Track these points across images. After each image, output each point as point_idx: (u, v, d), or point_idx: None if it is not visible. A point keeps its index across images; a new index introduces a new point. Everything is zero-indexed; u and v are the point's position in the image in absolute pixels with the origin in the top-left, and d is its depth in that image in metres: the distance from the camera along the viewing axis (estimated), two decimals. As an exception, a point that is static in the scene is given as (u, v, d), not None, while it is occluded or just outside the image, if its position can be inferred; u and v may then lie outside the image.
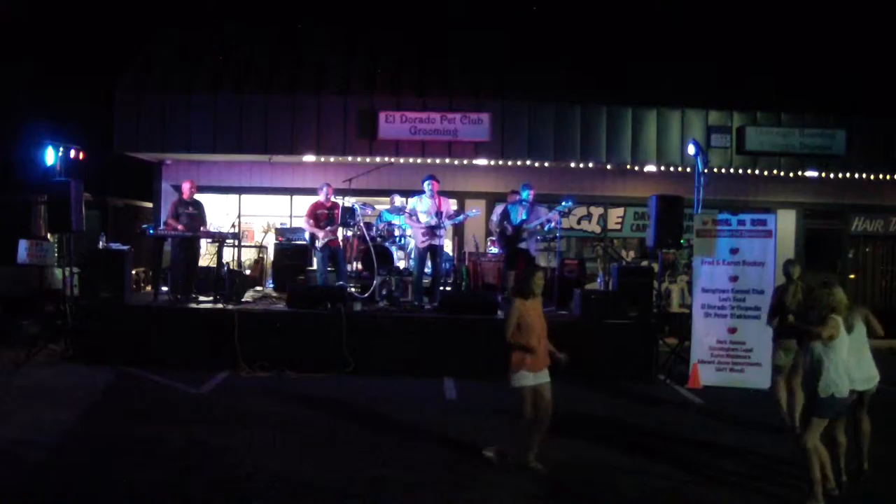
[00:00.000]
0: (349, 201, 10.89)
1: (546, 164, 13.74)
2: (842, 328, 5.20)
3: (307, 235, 10.85)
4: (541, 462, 5.83)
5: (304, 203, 13.80)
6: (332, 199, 10.66)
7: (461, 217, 10.56)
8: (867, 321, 5.81)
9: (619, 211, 14.87)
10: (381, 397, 8.09)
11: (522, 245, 10.23)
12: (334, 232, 10.44)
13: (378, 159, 13.21)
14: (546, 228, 10.83)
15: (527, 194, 10.39)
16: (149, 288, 11.98)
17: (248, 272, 12.74)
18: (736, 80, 14.02)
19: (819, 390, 5.16)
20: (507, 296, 5.48)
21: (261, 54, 14.24)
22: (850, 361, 5.36)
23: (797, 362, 7.55)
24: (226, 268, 10.54)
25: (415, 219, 10.13)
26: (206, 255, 11.78)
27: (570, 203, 10.34)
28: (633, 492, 5.54)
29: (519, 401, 5.85)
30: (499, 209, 12.15)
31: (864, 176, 14.01)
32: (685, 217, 9.88)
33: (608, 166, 13.88)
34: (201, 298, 10.14)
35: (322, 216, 10.46)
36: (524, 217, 10.24)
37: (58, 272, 11.47)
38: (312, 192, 11.64)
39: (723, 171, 13.72)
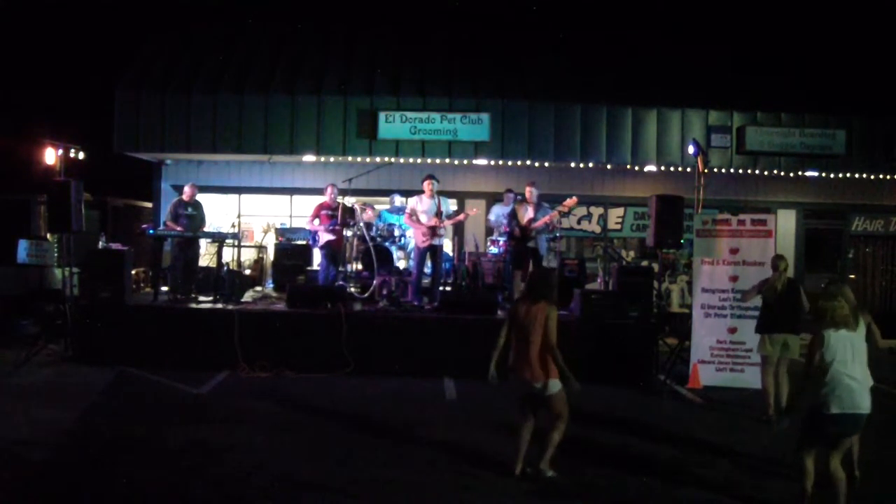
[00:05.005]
0: (349, 201, 10.92)
1: (546, 164, 13.75)
2: (829, 337, 4.91)
3: (310, 234, 10.92)
4: (554, 469, 5.64)
5: (304, 203, 13.85)
6: (338, 199, 10.71)
7: (460, 217, 10.52)
8: (868, 328, 5.56)
9: (619, 211, 14.87)
10: (381, 397, 8.10)
11: (531, 244, 10.18)
12: (336, 231, 10.45)
13: (378, 159, 13.21)
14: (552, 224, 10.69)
15: (533, 193, 10.30)
16: (149, 288, 11.96)
17: (248, 272, 12.74)
18: (736, 80, 14.04)
19: (820, 405, 4.89)
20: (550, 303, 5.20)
21: (261, 54, 14.24)
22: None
23: (783, 355, 7.60)
24: (226, 268, 10.55)
25: (414, 219, 10.13)
26: (206, 255, 11.78)
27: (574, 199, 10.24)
28: (632, 492, 5.54)
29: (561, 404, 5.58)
30: (496, 209, 12.14)
31: (864, 176, 14.03)
32: (685, 217, 9.88)
33: (608, 166, 13.89)
34: (201, 298, 10.14)
35: (325, 216, 10.55)
36: (532, 216, 10.17)
37: (58, 272, 11.47)
38: (312, 192, 11.66)
39: (723, 171, 13.73)
